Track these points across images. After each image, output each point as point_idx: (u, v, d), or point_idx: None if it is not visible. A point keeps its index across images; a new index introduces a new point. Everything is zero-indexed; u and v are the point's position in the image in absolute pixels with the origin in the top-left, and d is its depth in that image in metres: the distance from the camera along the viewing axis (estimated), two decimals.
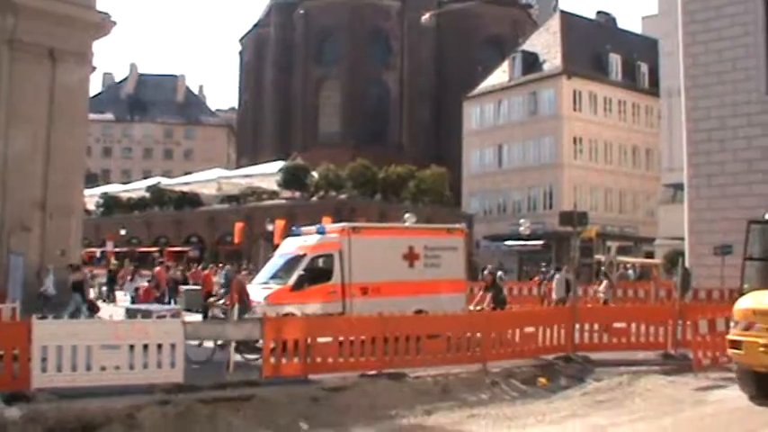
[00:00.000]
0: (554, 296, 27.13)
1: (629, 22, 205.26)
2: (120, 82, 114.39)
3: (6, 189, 25.02)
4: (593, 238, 45.36)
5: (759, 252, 14.37)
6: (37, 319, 12.78)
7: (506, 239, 57.92)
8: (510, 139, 63.23)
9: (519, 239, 55.27)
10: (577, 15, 69.25)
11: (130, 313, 21.05)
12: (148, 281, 33.02)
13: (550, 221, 56.88)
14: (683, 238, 27.82)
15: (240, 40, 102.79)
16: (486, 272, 19.36)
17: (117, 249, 53.40)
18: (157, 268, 33.95)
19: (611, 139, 61.34)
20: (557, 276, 28.25)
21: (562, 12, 69.52)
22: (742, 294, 13.24)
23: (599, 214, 54.79)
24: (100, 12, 28.14)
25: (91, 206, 60.15)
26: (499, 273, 43.98)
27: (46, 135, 25.96)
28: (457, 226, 24.20)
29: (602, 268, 36.39)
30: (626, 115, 62.68)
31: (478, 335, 16.03)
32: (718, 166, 25.03)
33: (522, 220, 53.12)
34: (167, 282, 32.51)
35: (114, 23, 28.51)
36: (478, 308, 18.75)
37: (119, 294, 36.20)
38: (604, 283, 27.09)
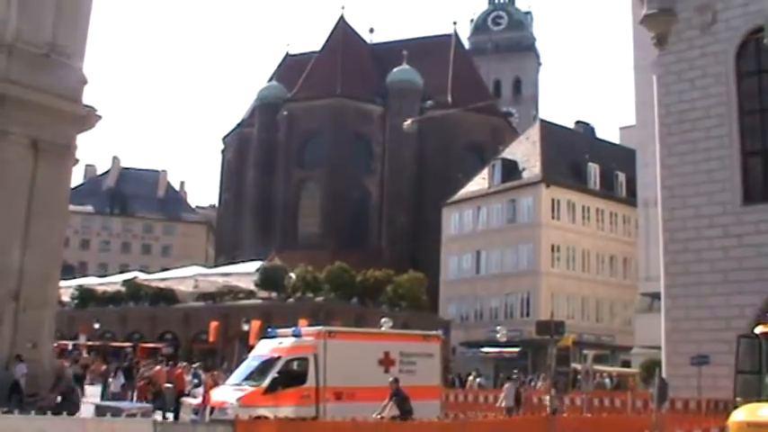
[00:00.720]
0: (503, 404, 26.87)
1: (608, 131, 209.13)
2: (102, 174, 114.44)
3: None
4: (570, 347, 45.13)
5: (749, 366, 14.46)
6: (2, 413, 12.41)
7: (483, 346, 57.58)
8: (488, 246, 63.43)
9: (496, 346, 54.95)
10: (557, 125, 70.46)
11: (100, 410, 20.60)
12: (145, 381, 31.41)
13: (527, 329, 56.49)
14: (659, 348, 27.73)
15: (223, 139, 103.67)
16: (390, 379, 19.04)
17: (90, 343, 52.62)
18: (157, 367, 32.77)
19: (588, 248, 61.71)
20: (506, 386, 28.10)
21: (542, 121, 70.70)
22: (735, 407, 13.27)
23: (576, 322, 54.65)
24: (86, 105, 28.31)
25: (66, 298, 59.49)
26: (478, 379, 43.79)
27: (24, 226, 25.77)
28: (433, 333, 24.15)
29: (548, 371, 35.99)
30: (604, 224, 63.23)
31: None
32: (694, 276, 25.14)
33: (498, 327, 52.99)
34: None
35: (99, 117, 28.67)
36: (380, 416, 18.28)
37: (89, 389, 35.43)
38: (552, 390, 26.12)
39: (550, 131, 66.37)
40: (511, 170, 64.00)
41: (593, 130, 76.53)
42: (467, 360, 56.58)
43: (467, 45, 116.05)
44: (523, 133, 72.06)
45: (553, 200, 60.61)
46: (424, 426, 16.50)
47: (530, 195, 61.31)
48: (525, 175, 62.74)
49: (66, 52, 27.78)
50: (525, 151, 64.99)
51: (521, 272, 60.40)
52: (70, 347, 50.10)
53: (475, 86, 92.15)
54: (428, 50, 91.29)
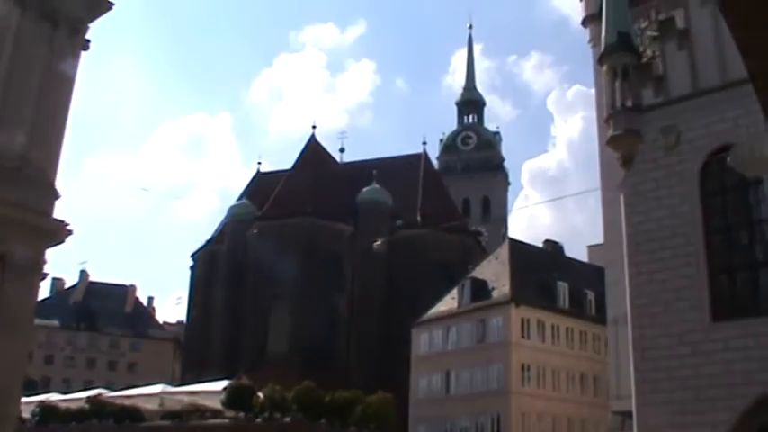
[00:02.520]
0: None
1: (576, 250, 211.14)
2: (70, 288, 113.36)
3: None
4: None
5: None
6: None
7: None
8: (458, 366, 63.05)
9: None
10: (526, 244, 71.15)
11: None
12: None
13: None
14: None
15: (192, 256, 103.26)
16: None
17: None
18: None
19: (558, 367, 61.49)
20: None
21: (511, 240, 71.44)
22: None
23: None
24: (56, 220, 28.20)
25: (26, 414, 57.91)
26: None
27: None
28: None
29: None
30: (573, 342, 63.23)
31: None
32: (665, 395, 24.99)
33: None
34: None
35: (70, 232, 28.52)
36: None
37: None
38: None
39: (519, 251, 66.94)
40: (480, 290, 64.17)
41: (561, 248, 77.16)
42: None
43: (436, 164, 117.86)
44: (493, 252, 72.57)
45: (523, 319, 60.68)
46: None
47: (499, 315, 61.34)
48: (495, 294, 62.91)
49: (39, 166, 27.83)
50: (495, 270, 65.32)
51: (491, 391, 59.88)
52: None
53: (444, 206, 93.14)
54: (398, 170, 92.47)
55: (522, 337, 60.41)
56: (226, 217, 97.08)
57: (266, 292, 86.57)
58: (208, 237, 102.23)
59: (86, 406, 61.77)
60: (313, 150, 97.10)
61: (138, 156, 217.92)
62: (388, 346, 79.46)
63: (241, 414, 52.66)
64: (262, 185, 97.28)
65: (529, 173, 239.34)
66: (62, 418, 62.37)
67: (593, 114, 46.67)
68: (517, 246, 68.77)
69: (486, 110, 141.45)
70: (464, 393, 61.94)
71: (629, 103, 27.26)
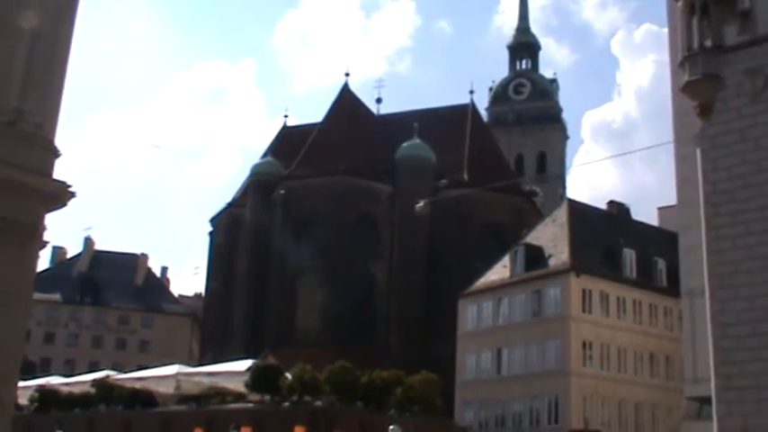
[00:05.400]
0: None
1: (645, 212, 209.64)
2: (73, 258, 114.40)
3: None
4: None
5: None
6: None
7: None
8: (510, 343, 62.94)
9: None
10: (587, 205, 70.48)
11: None
12: None
13: None
14: None
15: (211, 220, 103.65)
16: None
17: None
18: None
19: (625, 345, 61.10)
20: None
21: (570, 201, 70.80)
22: None
23: (612, 430, 53.98)
24: (57, 181, 28.20)
25: (23, 400, 58.75)
26: None
27: None
28: None
29: None
30: (642, 317, 62.76)
31: None
32: (751, 379, 24.59)
33: None
34: None
35: (73, 195, 28.52)
36: None
37: None
38: None
39: (580, 213, 66.37)
40: (535, 257, 63.85)
41: (628, 210, 76.38)
42: None
43: (485, 116, 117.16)
44: (549, 215, 72.02)
45: (584, 290, 60.26)
46: None
47: (557, 285, 61.01)
48: (552, 262, 62.54)
49: (36, 121, 27.81)
50: (552, 236, 64.90)
51: (548, 372, 59.71)
52: None
53: (494, 163, 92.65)
54: (442, 122, 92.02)
55: (583, 310, 60.05)
56: (248, 176, 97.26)
57: (294, 260, 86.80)
58: (228, 199, 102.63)
59: (92, 390, 62.57)
60: (346, 101, 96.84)
61: (148, 110, 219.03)
62: (432, 320, 79.56)
63: (267, 397, 53.09)
64: (289, 141, 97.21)
65: (590, 125, 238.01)
66: (65, 403, 63.25)
67: (666, 57, 46.05)
68: (577, 207, 68.20)
69: (541, 54, 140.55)
70: (517, 374, 61.86)
71: (709, 43, 26.62)
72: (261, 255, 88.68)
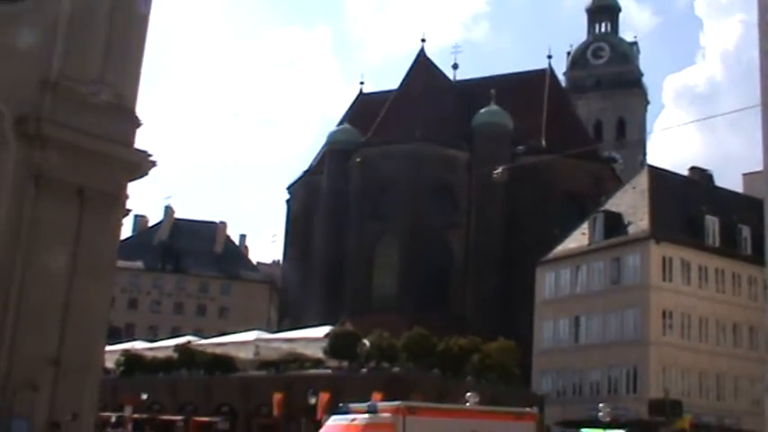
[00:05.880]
0: None
1: (729, 179, 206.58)
2: (154, 226, 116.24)
3: (17, 343, 24.98)
4: (687, 430, 43.92)
5: None
6: None
7: (583, 426, 56.20)
8: (588, 311, 62.55)
9: (598, 427, 53.61)
10: (668, 171, 69.39)
11: None
12: None
13: (635, 407, 55.53)
14: None
15: (288, 188, 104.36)
16: None
17: (136, 415, 52.80)
18: None
19: (706, 314, 60.27)
20: None
21: (650, 167, 69.79)
22: None
23: (693, 401, 53.36)
24: (138, 150, 28.64)
25: (110, 364, 59.94)
26: None
27: (67, 283, 26.05)
28: (527, 410, 23.70)
29: None
30: (725, 286, 61.81)
31: None
32: None
33: (601, 405, 51.54)
34: None
35: (153, 164, 28.99)
36: None
37: None
38: None
39: (661, 179, 65.43)
40: (615, 224, 63.19)
41: (711, 176, 75.07)
42: None
43: (563, 81, 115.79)
44: (629, 182, 71.19)
45: (664, 258, 59.52)
46: None
47: (637, 253, 60.36)
48: (631, 229, 61.84)
49: (117, 92, 28.23)
50: (631, 202, 64.16)
51: (626, 341, 59.22)
52: (114, 420, 50.38)
53: (573, 129, 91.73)
54: (519, 89, 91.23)
55: (664, 279, 59.31)
56: (325, 144, 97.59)
57: (371, 228, 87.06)
58: (305, 167, 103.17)
59: (174, 355, 63.64)
60: (422, 67, 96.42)
61: (225, 78, 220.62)
62: (509, 288, 79.35)
63: (345, 363, 53.48)
64: (365, 108, 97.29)
65: (672, 90, 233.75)
66: (148, 367, 64.48)
67: (754, 18, 44.88)
68: (658, 173, 67.19)
69: (621, 17, 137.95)
70: (595, 343, 61.50)
71: None
72: (338, 222, 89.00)
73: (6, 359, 24.99)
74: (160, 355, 65.23)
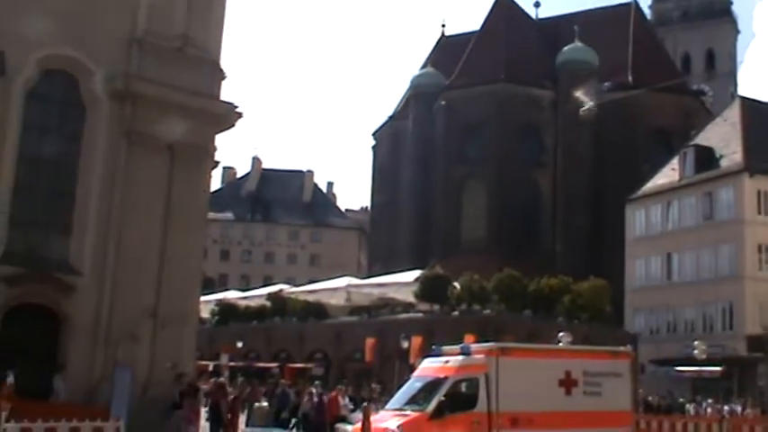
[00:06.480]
0: None
1: None
2: (242, 177, 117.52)
3: (117, 294, 25.71)
4: None
5: None
6: None
7: (677, 364, 55.91)
8: (681, 248, 61.72)
9: (693, 365, 53.23)
10: (762, 102, 67.58)
11: None
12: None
13: (731, 344, 54.97)
14: None
15: (373, 134, 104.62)
16: None
17: (232, 363, 53.85)
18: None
19: None
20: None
21: (742, 98, 68.18)
22: None
23: None
24: (225, 102, 29.02)
25: (205, 314, 61.12)
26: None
27: (161, 236, 26.65)
28: (622, 348, 23.62)
29: None
30: None
31: None
32: None
33: (696, 343, 51.16)
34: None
35: (240, 115, 29.35)
36: None
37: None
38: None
39: (754, 111, 63.85)
40: (706, 158, 62.04)
41: None
42: (658, 380, 55.15)
43: (648, 15, 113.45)
44: (720, 114, 69.71)
45: (759, 191, 58.26)
46: None
47: (730, 187, 59.21)
48: (724, 163, 60.66)
49: (201, 45, 28.58)
50: (723, 135, 62.86)
51: (721, 277, 58.33)
52: (211, 368, 51.49)
53: (660, 62, 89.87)
54: (603, 24, 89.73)
55: (759, 212, 58.06)
56: (409, 89, 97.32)
57: (458, 171, 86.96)
58: (390, 112, 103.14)
59: (267, 303, 64.71)
60: (503, 7, 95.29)
61: (304, 26, 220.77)
62: (599, 227, 78.79)
63: (436, 307, 53.78)
64: (447, 51, 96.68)
65: (764, 17, 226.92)
66: (242, 316, 65.70)
67: None
68: (751, 105, 65.55)
69: None
70: (688, 280, 60.70)
71: None
72: (424, 166, 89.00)
73: (107, 311, 25.76)
74: (253, 304, 66.35)
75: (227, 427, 26.68)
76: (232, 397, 31.36)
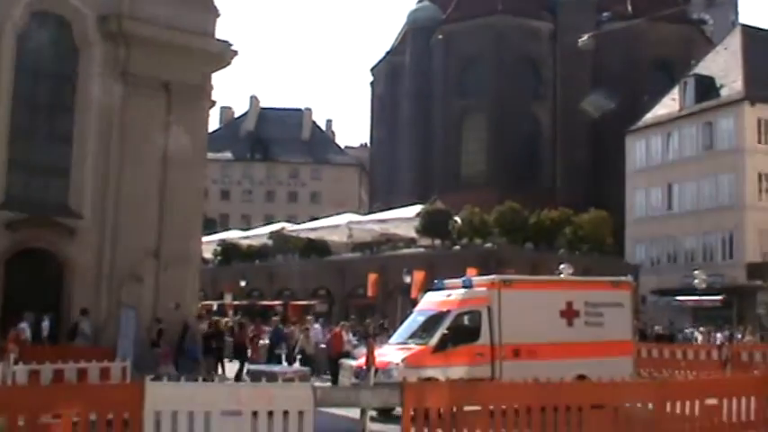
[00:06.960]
0: None
1: None
2: (240, 117, 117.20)
3: (118, 235, 25.80)
4: None
5: None
6: (150, 380, 12.60)
7: (678, 294, 56.22)
8: (681, 178, 61.69)
9: (693, 294, 53.50)
10: (763, 30, 67.05)
11: (253, 375, 21.25)
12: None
13: (731, 273, 55.20)
14: None
15: (371, 70, 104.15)
16: None
17: (236, 303, 54.15)
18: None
19: None
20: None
21: (743, 27, 67.64)
22: None
23: None
24: (219, 41, 28.84)
25: (207, 254, 61.30)
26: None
27: (161, 176, 26.68)
28: (623, 279, 23.71)
29: None
30: None
31: (650, 406, 15.28)
32: None
33: (696, 272, 51.37)
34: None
35: (235, 53, 29.19)
36: None
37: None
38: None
39: (755, 39, 63.37)
40: (707, 88, 61.75)
41: None
42: (659, 310, 55.52)
43: None
44: (721, 43, 69.20)
45: (759, 120, 58.10)
46: (616, 386, 15.95)
47: (730, 116, 59.02)
48: (724, 92, 60.37)
49: None
50: (724, 64, 62.48)
51: (721, 207, 58.36)
52: (215, 308, 51.78)
53: None
54: None
55: (759, 141, 57.97)
56: (406, 23, 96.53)
57: (456, 105, 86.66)
58: (387, 48, 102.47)
59: (269, 242, 64.92)
60: None
61: None
62: (599, 158, 78.63)
63: (437, 241, 53.96)
64: None
65: None
66: (245, 255, 66.02)
67: None
68: (752, 33, 65.00)
69: None
70: (689, 210, 60.75)
71: None
72: (423, 101, 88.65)
73: (110, 253, 25.86)
74: (255, 243, 66.58)
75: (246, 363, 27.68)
76: (251, 335, 32.25)
